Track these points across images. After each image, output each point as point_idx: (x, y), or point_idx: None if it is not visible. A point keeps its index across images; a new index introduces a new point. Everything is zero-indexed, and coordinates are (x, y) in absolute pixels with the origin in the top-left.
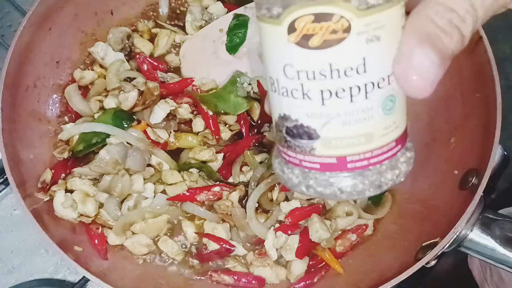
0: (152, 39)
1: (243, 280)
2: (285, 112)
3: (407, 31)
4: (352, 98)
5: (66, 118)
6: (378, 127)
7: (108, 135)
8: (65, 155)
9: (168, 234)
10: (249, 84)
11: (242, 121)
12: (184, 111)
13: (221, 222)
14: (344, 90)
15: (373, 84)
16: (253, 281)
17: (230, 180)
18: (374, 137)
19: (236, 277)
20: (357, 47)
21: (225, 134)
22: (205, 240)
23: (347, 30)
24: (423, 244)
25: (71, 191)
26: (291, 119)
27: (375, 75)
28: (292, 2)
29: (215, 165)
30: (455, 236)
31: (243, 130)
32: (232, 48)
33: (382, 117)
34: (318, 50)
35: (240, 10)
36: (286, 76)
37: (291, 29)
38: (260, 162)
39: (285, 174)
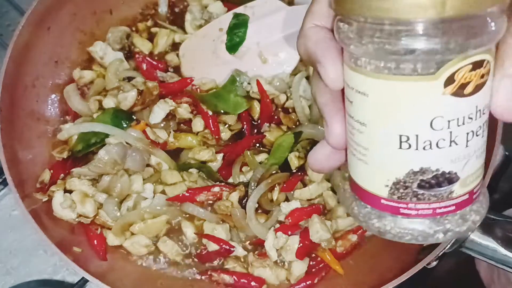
0: (151, 38)
1: (243, 280)
2: (422, 165)
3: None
4: (483, 132)
5: (65, 118)
6: (485, 154)
7: (107, 135)
8: (65, 155)
9: (168, 234)
10: (249, 83)
11: (244, 121)
12: (184, 110)
13: (220, 222)
14: (480, 127)
15: (487, 115)
16: (253, 282)
17: (230, 180)
18: (483, 164)
19: (235, 277)
20: (491, 85)
21: (225, 134)
22: (204, 240)
23: (489, 72)
24: (424, 245)
25: (70, 192)
26: (430, 170)
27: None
28: (456, 55)
29: (215, 165)
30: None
31: (245, 129)
32: (232, 47)
33: (486, 143)
34: (470, 96)
35: (240, 9)
36: (433, 128)
37: (449, 81)
38: (260, 162)
39: (413, 230)
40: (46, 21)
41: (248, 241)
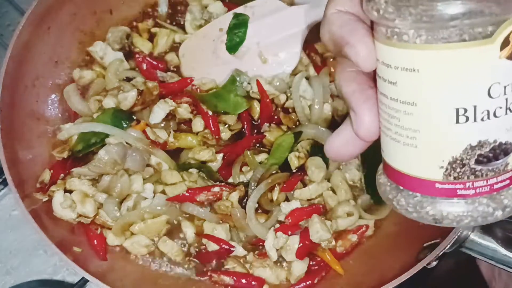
0: (151, 38)
1: (243, 280)
2: (480, 138)
3: None
4: None
5: (65, 118)
6: None
7: (107, 135)
8: (65, 154)
9: (168, 234)
10: (249, 83)
11: (244, 122)
12: (184, 111)
13: (220, 222)
14: None
15: None
16: (253, 282)
17: (230, 180)
18: None
19: (235, 278)
20: None
21: (225, 134)
22: (204, 240)
23: None
24: (424, 245)
25: (70, 191)
26: (488, 142)
27: None
28: (510, 15)
29: (215, 165)
30: (456, 236)
31: (245, 129)
32: (232, 47)
33: None
34: None
35: (240, 9)
36: (491, 96)
37: (505, 43)
38: (260, 162)
39: (472, 211)
40: (46, 21)
41: (248, 241)
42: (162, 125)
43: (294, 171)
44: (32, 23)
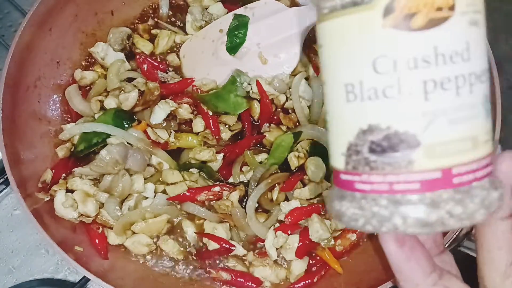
0: (152, 39)
1: (240, 279)
2: (370, 122)
3: None
4: (458, 90)
5: (66, 118)
6: (482, 130)
7: (108, 135)
8: (67, 153)
9: (168, 233)
10: (249, 83)
11: (245, 122)
12: (184, 111)
13: (221, 222)
14: (449, 80)
15: (476, 76)
16: (249, 282)
17: (230, 180)
18: (479, 142)
19: (233, 275)
20: (462, 29)
21: (225, 134)
22: (205, 239)
23: (452, 8)
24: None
25: (72, 191)
26: (380, 128)
27: (477, 65)
28: None
29: (215, 165)
30: (454, 235)
31: (246, 129)
32: (232, 48)
33: (484, 118)
34: (422, 32)
35: (240, 11)
36: (377, 72)
37: (388, 10)
38: (260, 162)
39: (365, 211)
40: (47, 22)
41: (248, 241)
42: (163, 125)
43: (293, 171)
44: (33, 24)
